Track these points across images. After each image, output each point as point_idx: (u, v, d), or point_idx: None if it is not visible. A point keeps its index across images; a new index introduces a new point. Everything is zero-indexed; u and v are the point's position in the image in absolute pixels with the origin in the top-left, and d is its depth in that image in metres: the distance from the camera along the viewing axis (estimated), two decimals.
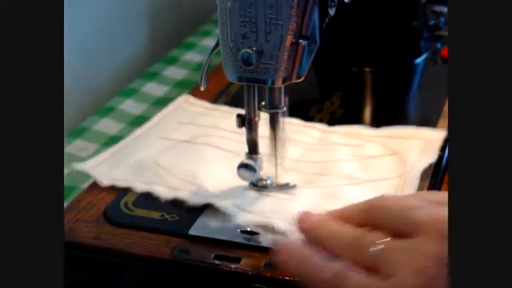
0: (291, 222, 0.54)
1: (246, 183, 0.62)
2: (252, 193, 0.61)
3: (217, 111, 0.75)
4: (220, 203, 0.59)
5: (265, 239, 0.57)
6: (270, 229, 0.57)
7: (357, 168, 0.65)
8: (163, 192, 0.62)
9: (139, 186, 0.63)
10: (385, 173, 0.64)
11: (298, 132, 0.70)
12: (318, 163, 0.66)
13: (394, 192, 0.61)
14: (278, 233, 0.57)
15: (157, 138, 0.70)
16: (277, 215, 0.58)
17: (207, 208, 0.60)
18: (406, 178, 0.63)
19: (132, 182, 0.64)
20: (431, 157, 0.65)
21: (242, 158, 0.61)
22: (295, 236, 0.54)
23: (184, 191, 0.62)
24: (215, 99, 0.79)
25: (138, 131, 0.72)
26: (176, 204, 0.61)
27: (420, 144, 0.67)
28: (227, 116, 0.73)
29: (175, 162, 0.66)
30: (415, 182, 0.62)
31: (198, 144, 0.69)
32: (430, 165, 0.64)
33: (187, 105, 0.76)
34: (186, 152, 0.68)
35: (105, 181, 0.64)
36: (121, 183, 0.64)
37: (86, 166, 0.67)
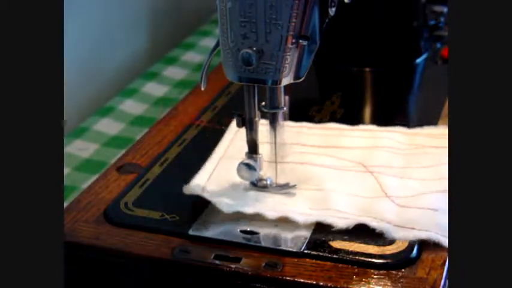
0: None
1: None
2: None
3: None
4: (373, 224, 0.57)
5: (265, 239, 0.57)
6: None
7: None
8: (301, 219, 0.58)
9: (270, 214, 0.59)
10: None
11: (379, 137, 0.69)
12: (429, 168, 0.64)
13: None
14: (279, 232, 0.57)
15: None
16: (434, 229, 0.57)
17: (207, 208, 0.60)
18: None
19: (260, 210, 0.59)
20: None
21: (346, 171, 0.62)
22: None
23: (326, 215, 0.59)
24: (215, 99, 0.79)
25: (216, 153, 0.68)
26: (176, 204, 0.61)
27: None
28: (297, 131, 0.70)
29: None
30: None
31: (291, 164, 0.65)
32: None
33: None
34: (285, 172, 0.63)
35: (226, 209, 0.59)
36: (248, 210, 0.59)
37: (199, 191, 0.62)
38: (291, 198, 0.61)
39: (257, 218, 0.59)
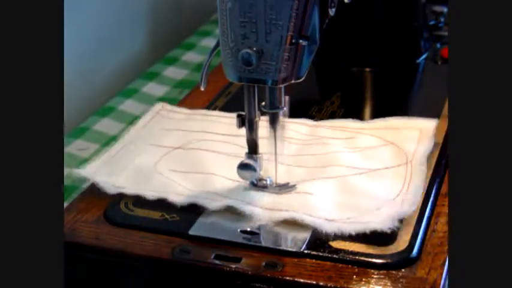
0: (316, 216, 0.56)
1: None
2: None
3: (198, 116, 0.75)
4: (245, 207, 0.59)
5: (265, 239, 0.57)
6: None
7: (359, 158, 0.66)
8: (178, 199, 0.61)
9: (150, 194, 0.62)
10: (388, 162, 0.65)
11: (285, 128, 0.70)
12: (317, 156, 0.66)
13: (403, 181, 0.62)
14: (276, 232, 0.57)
15: (149, 145, 0.69)
16: (303, 210, 0.58)
17: (207, 208, 0.60)
18: (412, 166, 0.63)
19: (141, 191, 0.63)
20: (429, 145, 0.66)
21: (239, 158, 0.61)
22: (324, 229, 0.56)
23: (200, 197, 0.61)
24: (215, 99, 0.79)
25: (126, 137, 0.71)
26: (176, 204, 0.61)
27: (415, 134, 0.68)
28: (211, 119, 0.73)
29: (179, 170, 0.65)
30: (423, 169, 0.63)
31: (193, 150, 0.68)
32: (430, 164, 0.65)
33: (164, 112, 0.76)
34: (183, 158, 0.67)
35: (110, 190, 0.63)
36: (129, 191, 0.63)
37: (87, 173, 0.66)
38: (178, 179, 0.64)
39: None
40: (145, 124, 0.74)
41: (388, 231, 0.56)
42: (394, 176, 0.63)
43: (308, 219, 0.57)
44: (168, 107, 0.77)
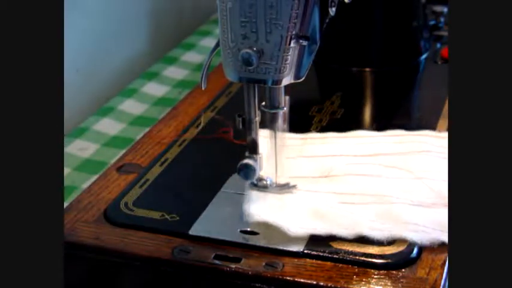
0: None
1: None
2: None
3: (310, 139, 0.70)
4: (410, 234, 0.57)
5: (265, 239, 0.57)
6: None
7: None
8: (378, 235, 0.57)
9: (345, 232, 0.57)
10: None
11: (411, 142, 0.68)
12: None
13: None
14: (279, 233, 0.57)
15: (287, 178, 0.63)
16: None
17: (207, 208, 0.60)
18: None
19: (333, 231, 0.58)
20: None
21: (397, 179, 0.62)
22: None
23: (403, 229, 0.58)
24: (215, 99, 0.79)
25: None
26: (176, 204, 0.61)
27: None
28: (325, 141, 0.69)
29: (352, 201, 0.61)
30: None
31: (343, 177, 0.64)
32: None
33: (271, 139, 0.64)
34: (342, 186, 0.62)
35: (298, 232, 0.57)
36: (321, 232, 0.57)
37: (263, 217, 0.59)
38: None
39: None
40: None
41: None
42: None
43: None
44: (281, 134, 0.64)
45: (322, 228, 0.57)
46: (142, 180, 0.65)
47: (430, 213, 0.59)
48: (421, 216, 0.58)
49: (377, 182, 0.62)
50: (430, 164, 0.64)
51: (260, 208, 0.59)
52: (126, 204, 0.62)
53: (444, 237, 0.56)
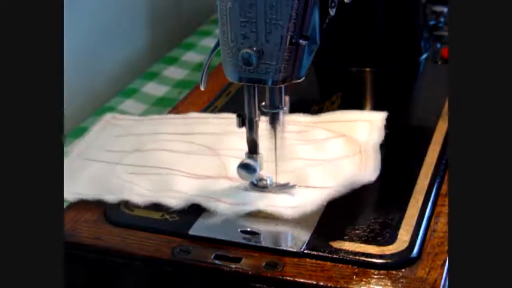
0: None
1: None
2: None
3: (147, 121, 0.75)
4: (209, 203, 0.60)
5: (265, 239, 0.57)
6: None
7: (313, 150, 0.67)
8: (139, 199, 0.61)
9: (111, 197, 0.62)
10: (342, 153, 0.66)
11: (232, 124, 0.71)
12: (271, 150, 0.65)
13: (359, 168, 0.64)
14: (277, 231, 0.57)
15: (103, 151, 0.69)
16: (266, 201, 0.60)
17: (207, 208, 0.60)
18: (365, 154, 0.65)
19: (101, 196, 0.62)
20: (380, 135, 0.68)
21: (196, 155, 0.63)
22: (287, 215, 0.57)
23: (162, 196, 0.61)
24: (215, 99, 0.79)
25: (78, 148, 0.71)
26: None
27: (366, 125, 0.70)
28: (160, 122, 0.74)
29: (138, 172, 0.65)
30: (378, 157, 0.65)
31: (149, 152, 0.68)
32: (430, 164, 0.65)
33: (114, 121, 0.75)
34: (141, 160, 0.67)
35: (70, 197, 0.63)
36: (88, 197, 0.63)
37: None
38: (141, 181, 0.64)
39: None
40: (97, 133, 0.73)
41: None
42: (350, 165, 0.64)
43: (272, 209, 0.59)
44: (118, 116, 0.77)
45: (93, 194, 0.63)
46: None
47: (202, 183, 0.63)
48: (186, 184, 0.62)
49: (170, 156, 0.67)
50: (234, 143, 0.67)
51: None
52: (126, 204, 0.62)
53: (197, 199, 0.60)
